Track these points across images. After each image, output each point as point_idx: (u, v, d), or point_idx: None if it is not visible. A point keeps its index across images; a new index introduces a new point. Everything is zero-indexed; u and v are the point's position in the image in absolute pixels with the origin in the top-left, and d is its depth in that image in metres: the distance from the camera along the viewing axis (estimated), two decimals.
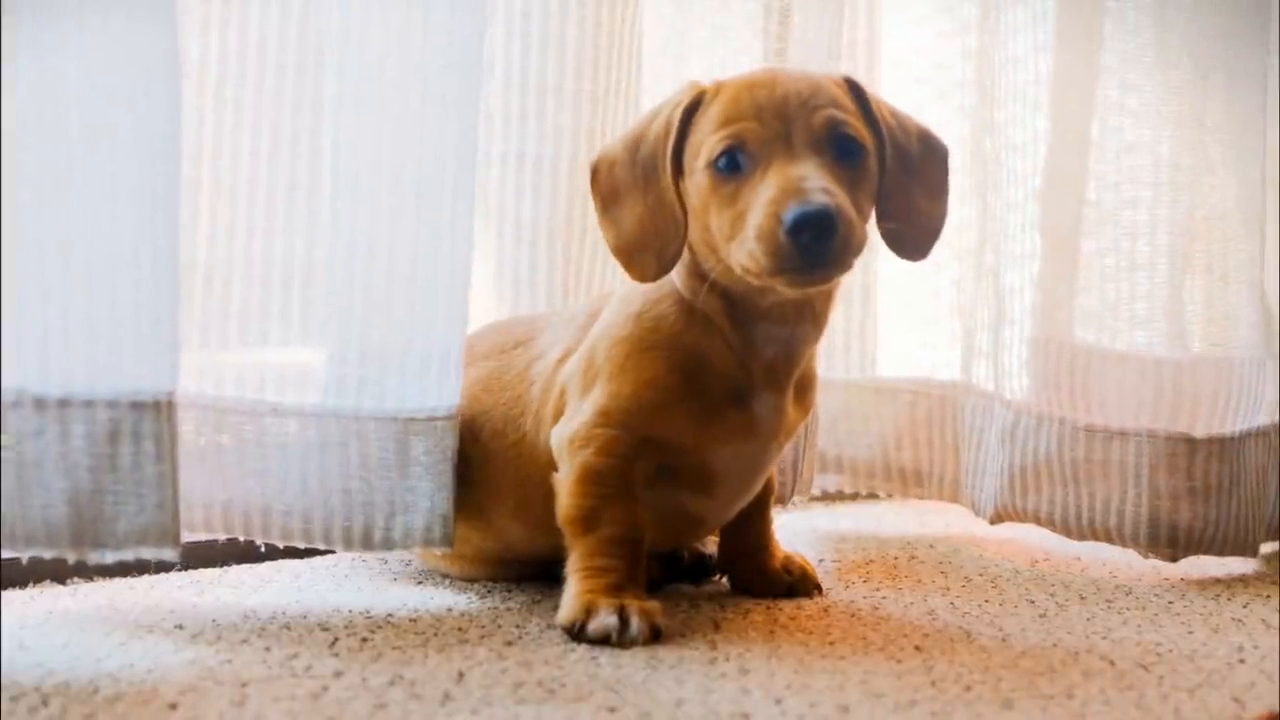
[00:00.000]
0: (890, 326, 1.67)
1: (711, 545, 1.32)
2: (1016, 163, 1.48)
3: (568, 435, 1.13)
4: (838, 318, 1.61)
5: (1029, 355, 1.47)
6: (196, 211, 1.17)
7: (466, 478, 1.20)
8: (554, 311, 1.33)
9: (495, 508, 1.21)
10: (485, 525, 1.22)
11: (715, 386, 1.12)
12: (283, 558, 1.32)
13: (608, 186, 1.13)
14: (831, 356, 1.61)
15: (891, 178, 1.12)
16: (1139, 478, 1.40)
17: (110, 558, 1.01)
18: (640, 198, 1.11)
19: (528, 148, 1.38)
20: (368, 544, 1.17)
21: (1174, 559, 1.41)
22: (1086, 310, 1.46)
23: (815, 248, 1.00)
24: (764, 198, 1.03)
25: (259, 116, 1.17)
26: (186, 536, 1.23)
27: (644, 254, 1.11)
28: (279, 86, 1.17)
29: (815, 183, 1.02)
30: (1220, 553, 1.41)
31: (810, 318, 1.14)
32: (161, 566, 1.27)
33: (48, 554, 1.00)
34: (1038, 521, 1.46)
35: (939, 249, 1.59)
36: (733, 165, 1.06)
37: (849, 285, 1.62)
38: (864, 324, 1.63)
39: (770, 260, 1.02)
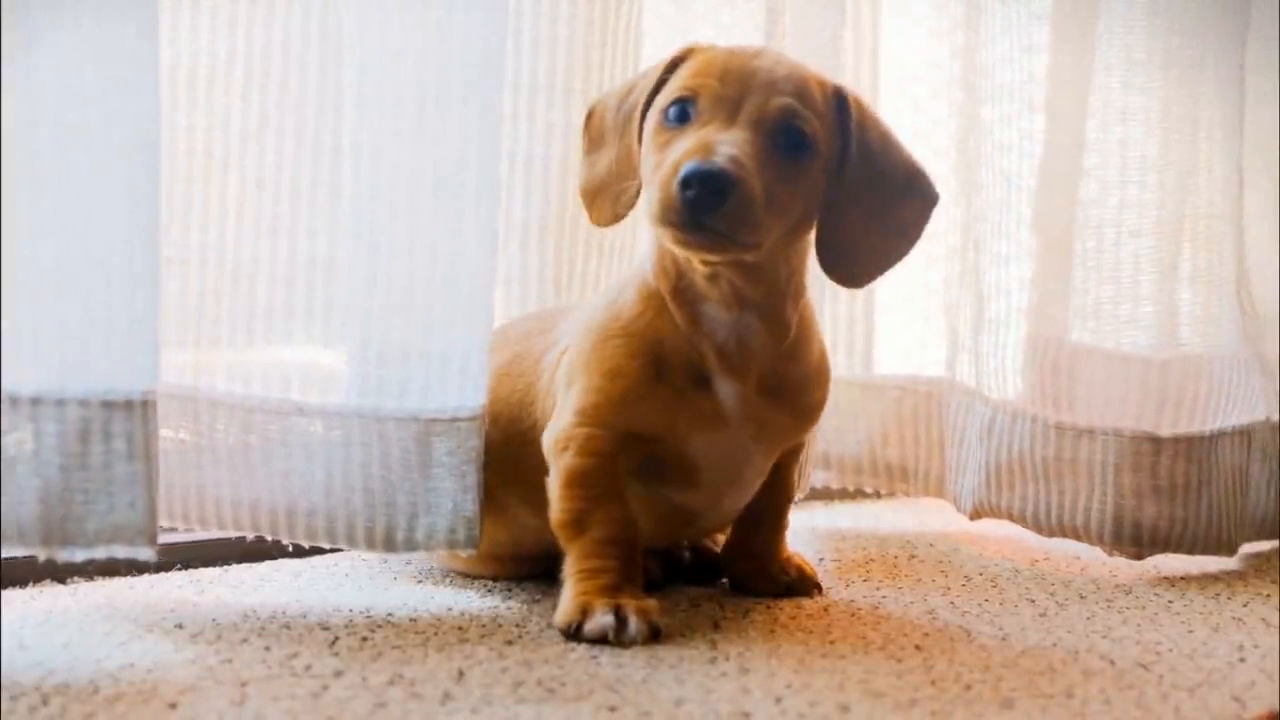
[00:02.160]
0: (884, 324, 1.67)
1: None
2: (1002, 161, 1.48)
3: (552, 439, 1.14)
4: (831, 315, 1.61)
5: (1021, 354, 1.47)
6: (224, 212, 1.18)
7: (484, 463, 1.20)
8: (581, 304, 1.33)
9: (508, 493, 1.21)
10: (498, 512, 1.22)
11: (675, 369, 1.12)
12: (282, 557, 1.32)
13: (596, 131, 1.17)
14: (833, 354, 1.61)
15: (852, 197, 1.10)
16: (1105, 476, 1.40)
17: (80, 556, 1.01)
18: (616, 144, 1.14)
19: (519, 147, 1.38)
20: (390, 545, 1.17)
21: (1139, 557, 1.41)
22: (1075, 309, 1.47)
23: (700, 206, 1.01)
24: (679, 150, 1.04)
25: (283, 116, 1.18)
26: (215, 534, 1.24)
27: (603, 198, 1.14)
28: (302, 86, 1.18)
29: (726, 149, 1.02)
30: (1191, 551, 1.41)
31: (753, 308, 1.12)
32: (161, 566, 1.27)
33: (18, 551, 1.01)
34: (1011, 518, 1.47)
35: (931, 245, 1.60)
36: (681, 116, 1.07)
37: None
38: (851, 321, 1.63)
39: (660, 210, 1.03)
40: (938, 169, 1.59)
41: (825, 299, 1.59)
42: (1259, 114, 1.55)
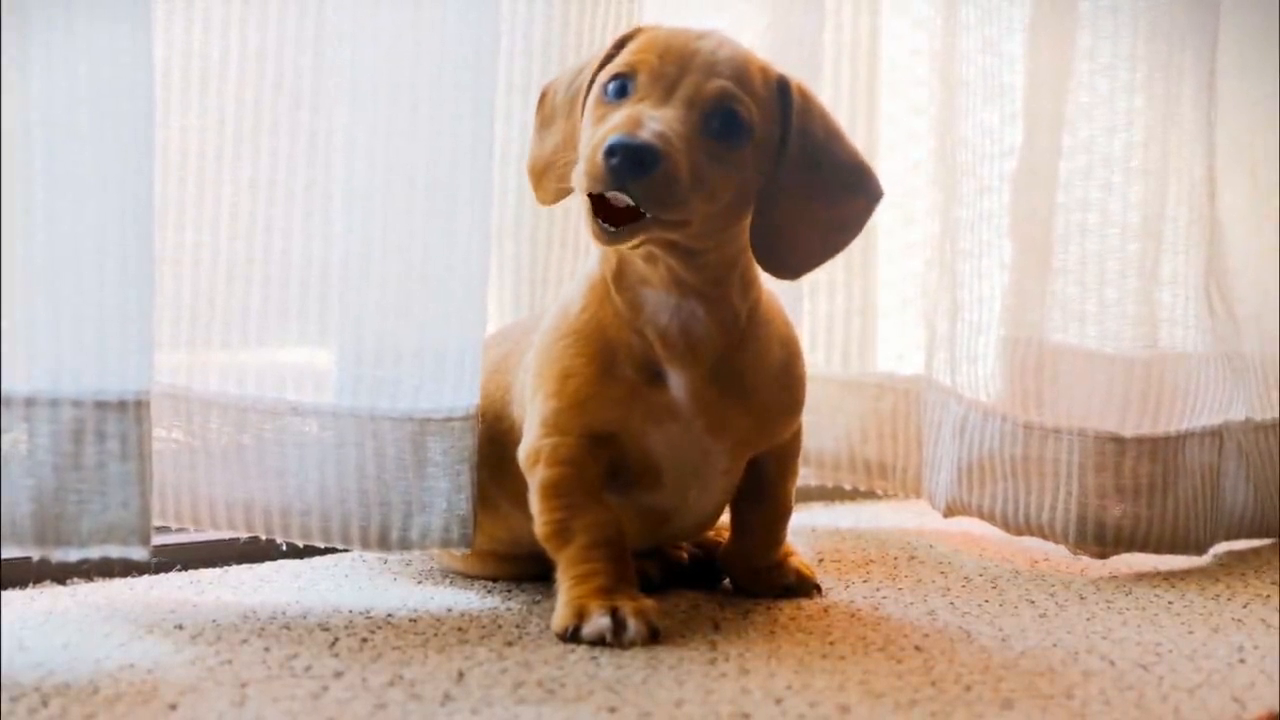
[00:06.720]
0: (869, 323, 1.67)
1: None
2: (980, 167, 1.48)
3: (524, 453, 1.14)
4: (810, 313, 1.61)
5: (994, 353, 1.47)
6: (218, 212, 1.18)
7: (477, 461, 1.20)
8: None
9: (500, 492, 1.21)
10: (493, 509, 1.22)
11: (625, 362, 1.12)
12: (282, 558, 1.32)
13: (547, 111, 1.17)
14: (814, 352, 1.61)
15: (789, 187, 1.09)
16: (1070, 475, 1.41)
17: (74, 556, 1.01)
18: (564, 123, 1.14)
19: (495, 147, 1.38)
20: (385, 544, 1.18)
21: (1103, 556, 1.42)
22: (1048, 310, 1.47)
23: (622, 173, 1.00)
24: (611, 123, 1.03)
25: (276, 116, 1.18)
26: (214, 534, 1.25)
27: (548, 175, 1.14)
28: (295, 86, 1.18)
29: (654, 125, 1.02)
30: (1157, 551, 1.42)
31: (695, 295, 1.11)
32: (161, 566, 1.27)
33: (11, 552, 1.01)
34: (981, 516, 1.48)
35: (928, 246, 1.60)
36: (619, 91, 1.07)
37: (836, 280, 1.63)
38: (831, 318, 1.63)
39: (585, 180, 1.02)
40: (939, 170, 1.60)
41: (810, 296, 1.60)
42: (1238, 117, 1.55)
